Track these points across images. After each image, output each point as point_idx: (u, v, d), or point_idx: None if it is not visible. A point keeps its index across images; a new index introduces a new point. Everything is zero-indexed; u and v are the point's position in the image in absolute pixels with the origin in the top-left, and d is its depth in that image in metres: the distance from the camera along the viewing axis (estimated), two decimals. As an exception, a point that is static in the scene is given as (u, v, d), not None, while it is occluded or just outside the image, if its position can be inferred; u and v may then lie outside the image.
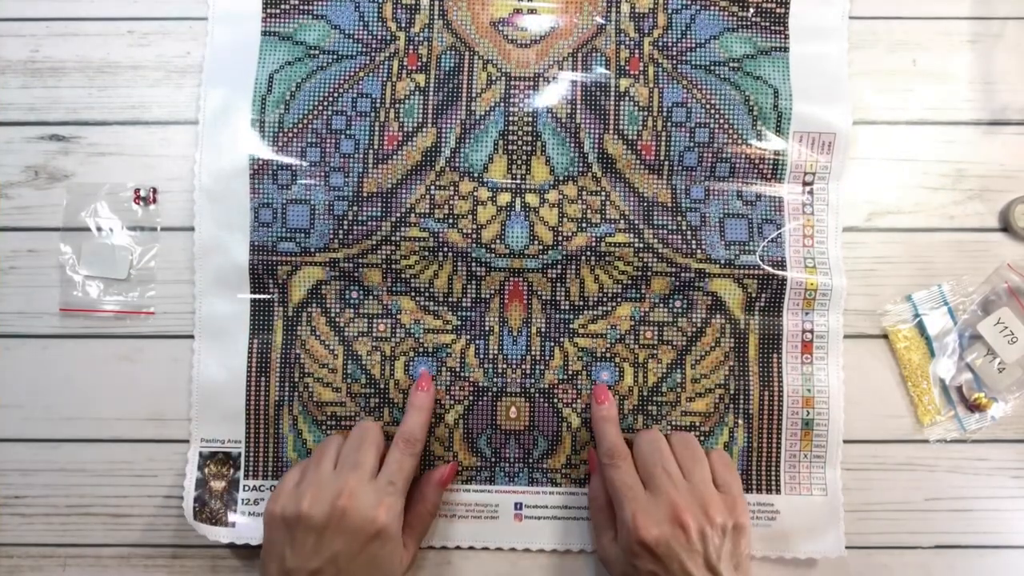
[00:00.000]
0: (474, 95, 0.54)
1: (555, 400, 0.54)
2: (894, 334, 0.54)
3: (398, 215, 0.53)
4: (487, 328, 0.54)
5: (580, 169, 0.54)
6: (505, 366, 0.54)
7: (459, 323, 0.54)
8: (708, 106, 0.54)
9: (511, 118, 0.54)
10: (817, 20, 0.55)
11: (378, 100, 0.54)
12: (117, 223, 0.55)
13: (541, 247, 0.53)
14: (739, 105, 0.54)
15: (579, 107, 0.54)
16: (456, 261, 0.53)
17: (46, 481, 0.54)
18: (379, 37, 0.55)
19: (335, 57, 0.55)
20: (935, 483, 0.54)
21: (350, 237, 0.53)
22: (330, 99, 0.54)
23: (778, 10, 0.55)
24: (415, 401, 0.52)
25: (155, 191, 0.55)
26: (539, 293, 0.54)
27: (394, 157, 0.54)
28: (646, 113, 0.54)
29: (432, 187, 0.53)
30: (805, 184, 0.54)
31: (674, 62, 0.54)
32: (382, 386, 0.54)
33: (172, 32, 0.56)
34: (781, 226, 0.54)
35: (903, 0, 0.56)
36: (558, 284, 0.54)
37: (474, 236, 0.53)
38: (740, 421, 0.54)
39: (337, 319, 0.54)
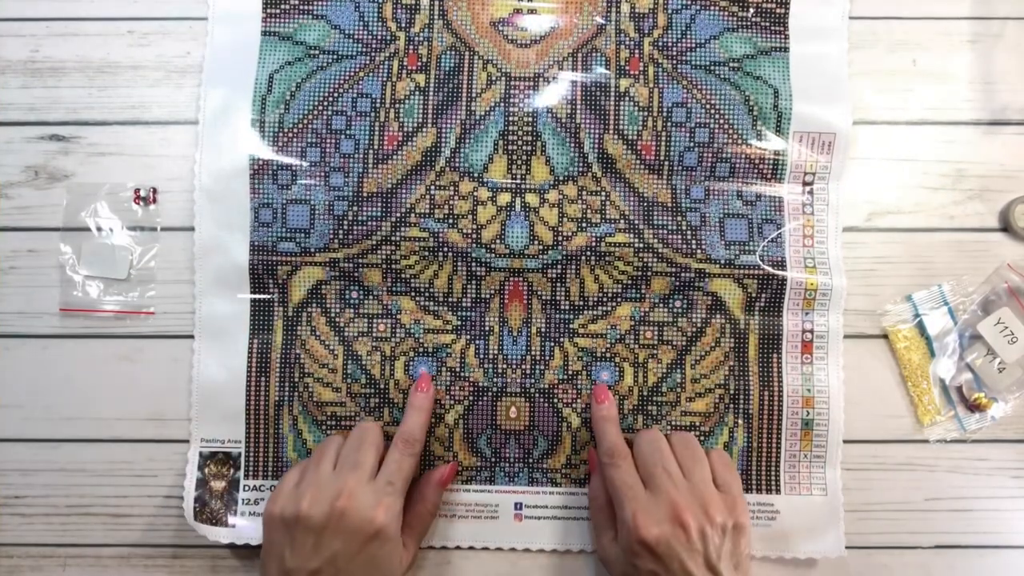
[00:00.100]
0: (474, 95, 0.54)
1: (555, 400, 0.54)
2: (894, 334, 0.54)
3: (398, 215, 0.53)
4: (487, 328, 0.54)
5: (580, 169, 0.54)
6: (505, 366, 0.54)
7: (459, 323, 0.54)
8: (708, 106, 0.54)
9: (511, 118, 0.54)
10: (817, 20, 0.55)
11: (378, 100, 0.54)
12: (117, 223, 0.55)
13: (541, 247, 0.53)
14: (739, 105, 0.54)
15: (579, 107, 0.54)
16: (456, 261, 0.53)
17: (46, 481, 0.54)
18: (379, 37, 0.55)
19: (335, 57, 0.55)
20: (935, 483, 0.54)
21: (350, 237, 0.53)
22: (330, 99, 0.54)
23: (778, 10, 0.55)
24: (414, 401, 0.52)
25: (155, 191, 0.55)
26: (539, 293, 0.54)
27: (394, 157, 0.54)
28: (646, 113, 0.54)
29: (432, 187, 0.53)
30: (805, 184, 0.54)
31: (674, 62, 0.54)
32: (382, 386, 0.54)
33: (172, 32, 0.56)
34: (781, 226, 0.54)
35: (903, 0, 0.56)
36: (558, 284, 0.54)
37: (474, 236, 0.53)
38: (740, 421, 0.54)
39: (337, 319, 0.54)
